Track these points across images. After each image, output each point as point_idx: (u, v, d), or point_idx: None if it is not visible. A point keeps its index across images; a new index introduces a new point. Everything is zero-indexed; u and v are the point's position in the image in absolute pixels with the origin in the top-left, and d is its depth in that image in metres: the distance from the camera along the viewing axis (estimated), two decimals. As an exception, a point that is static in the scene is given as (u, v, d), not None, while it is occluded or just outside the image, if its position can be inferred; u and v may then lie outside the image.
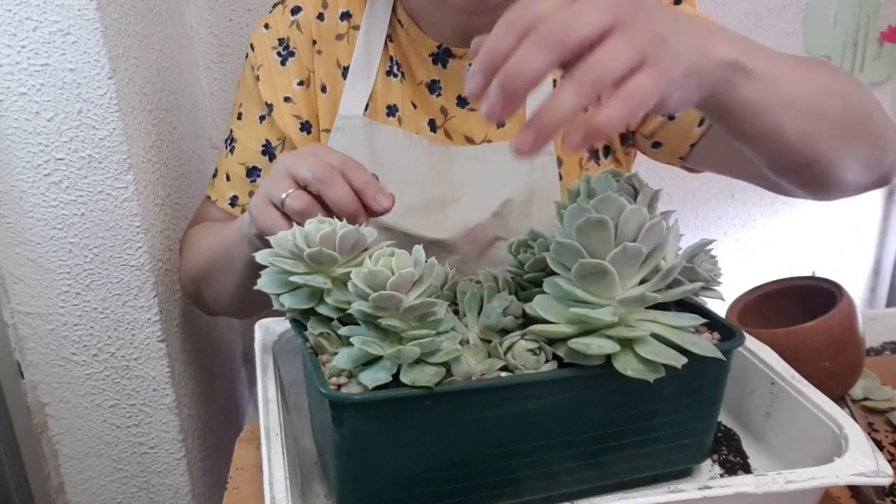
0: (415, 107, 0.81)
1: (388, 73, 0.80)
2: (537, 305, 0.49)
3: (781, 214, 1.39)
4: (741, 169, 0.75)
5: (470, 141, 0.81)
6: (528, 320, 0.52)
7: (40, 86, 0.72)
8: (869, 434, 0.55)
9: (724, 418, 0.64)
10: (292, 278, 0.51)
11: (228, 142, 0.83)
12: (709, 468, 0.58)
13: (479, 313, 0.54)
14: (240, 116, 0.83)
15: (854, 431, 0.51)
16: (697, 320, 0.50)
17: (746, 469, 0.58)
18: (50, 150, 0.74)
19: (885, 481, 0.48)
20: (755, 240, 1.39)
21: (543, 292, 0.50)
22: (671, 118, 0.77)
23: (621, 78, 0.40)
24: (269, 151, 0.82)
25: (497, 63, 0.41)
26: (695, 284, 0.53)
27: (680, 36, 0.43)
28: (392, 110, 0.80)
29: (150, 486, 0.93)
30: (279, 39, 0.81)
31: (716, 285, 0.57)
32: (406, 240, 0.76)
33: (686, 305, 0.55)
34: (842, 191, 0.63)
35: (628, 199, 0.47)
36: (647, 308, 0.49)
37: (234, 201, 0.83)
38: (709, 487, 0.47)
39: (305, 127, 0.81)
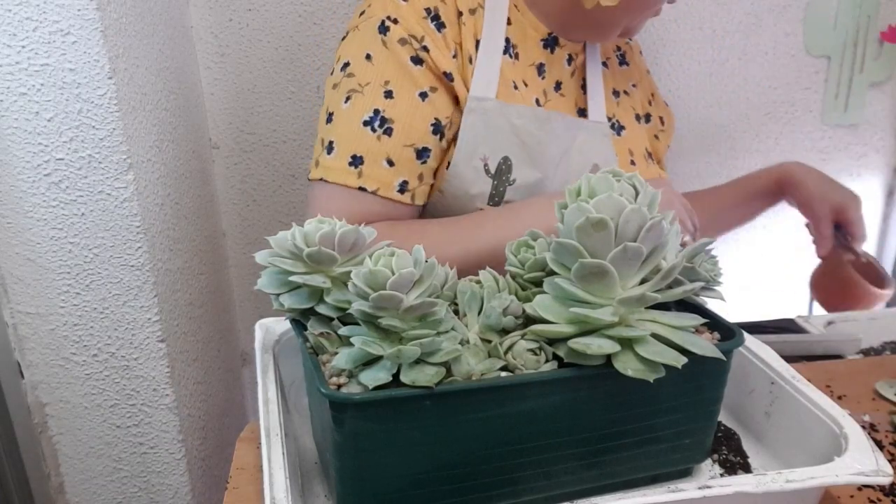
0: (525, 85, 0.84)
1: (504, 52, 0.82)
2: (537, 305, 0.49)
3: (782, 214, 1.38)
4: None
5: None
6: (528, 320, 0.52)
7: (40, 86, 0.72)
8: (869, 434, 0.55)
9: (724, 418, 0.64)
10: (292, 278, 0.51)
11: (377, 124, 0.75)
12: (709, 468, 0.58)
13: (479, 313, 0.54)
14: (389, 95, 0.75)
15: (854, 431, 0.52)
16: (697, 320, 0.50)
17: (746, 469, 0.58)
18: (50, 150, 0.74)
19: (885, 481, 0.48)
20: (755, 240, 1.39)
21: (543, 292, 0.50)
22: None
23: None
24: (438, 130, 0.77)
25: None
26: (695, 284, 0.52)
27: None
28: (515, 86, 0.83)
29: (150, 486, 0.93)
30: (426, 9, 0.77)
31: (716, 285, 0.57)
32: None
33: (686, 305, 0.55)
34: None
35: (628, 199, 0.47)
36: (647, 308, 0.49)
37: (403, 187, 0.76)
38: (709, 487, 0.47)
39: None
